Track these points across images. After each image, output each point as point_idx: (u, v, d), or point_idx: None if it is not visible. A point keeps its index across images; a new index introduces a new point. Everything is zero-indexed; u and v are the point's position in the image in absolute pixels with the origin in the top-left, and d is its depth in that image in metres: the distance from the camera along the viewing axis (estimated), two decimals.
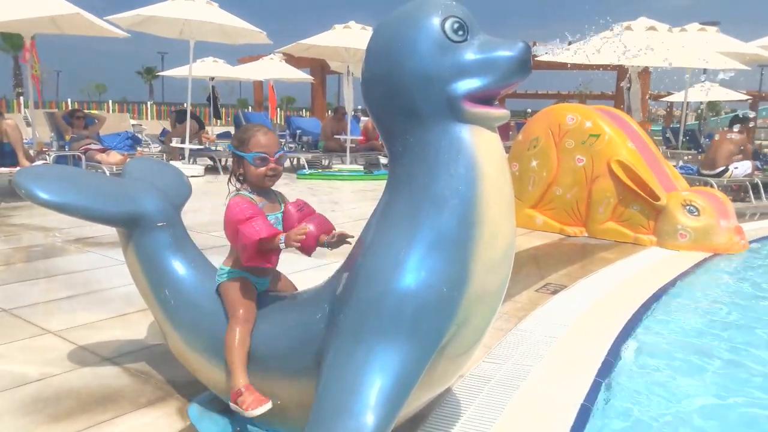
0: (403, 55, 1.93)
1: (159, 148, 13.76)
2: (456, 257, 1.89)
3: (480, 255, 1.91)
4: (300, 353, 2.07)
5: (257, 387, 2.19)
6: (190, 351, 2.39)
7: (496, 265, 1.99)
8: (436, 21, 1.92)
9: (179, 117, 12.71)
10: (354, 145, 13.19)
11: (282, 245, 2.13)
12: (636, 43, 9.33)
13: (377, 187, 9.91)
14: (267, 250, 2.14)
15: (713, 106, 34.02)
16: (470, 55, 1.92)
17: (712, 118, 33.09)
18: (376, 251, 1.95)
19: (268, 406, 2.09)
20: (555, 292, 4.37)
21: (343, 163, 12.61)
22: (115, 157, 9.64)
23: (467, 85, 1.91)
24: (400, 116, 1.98)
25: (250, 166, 2.23)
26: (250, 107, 35.23)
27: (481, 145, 1.95)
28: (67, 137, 9.93)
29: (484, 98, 1.95)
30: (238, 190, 2.28)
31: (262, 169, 2.23)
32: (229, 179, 2.34)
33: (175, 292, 2.45)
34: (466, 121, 1.94)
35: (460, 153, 1.93)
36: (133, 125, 15.80)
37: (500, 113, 1.98)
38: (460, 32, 1.93)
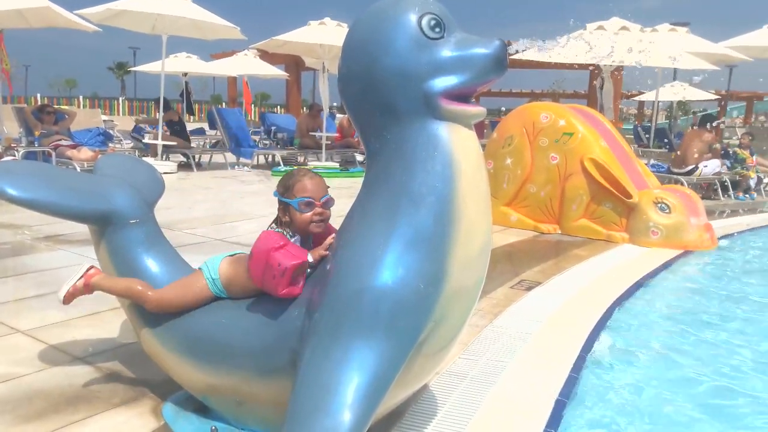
0: (380, 52, 1.93)
1: (131, 145, 13.57)
2: (433, 254, 1.90)
3: (457, 252, 1.92)
4: (276, 351, 2.05)
5: (233, 385, 2.17)
6: (164, 350, 2.36)
7: (473, 262, 2.00)
8: (413, 18, 1.92)
9: (165, 109, 12.46)
10: (329, 142, 13.15)
11: (311, 260, 2.08)
12: (608, 43, 9.44)
13: (353, 184, 9.86)
14: (298, 275, 2.07)
15: (682, 106, 34.59)
16: (447, 52, 1.92)
17: (682, 117, 33.66)
18: (354, 248, 1.95)
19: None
20: (529, 289, 4.41)
21: (318, 160, 12.57)
22: (86, 153, 9.49)
23: (444, 82, 1.92)
24: (376, 113, 1.98)
25: (296, 212, 2.15)
26: (224, 103, 34.91)
27: (457, 142, 1.96)
28: (37, 133, 9.75)
29: (460, 95, 1.96)
30: (284, 230, 2.19)
31: (308, 214, 2.14)
32: (275, 226, 2.24)
33: None
34: (443, 118, 1.94)
35: (437, 150, 1.93)
36: (104, 121, 15.56)
37: (477, 110, 1.99)
38: (437, 29, 1.93)
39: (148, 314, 2.39)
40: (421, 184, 1.92)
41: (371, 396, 1.79)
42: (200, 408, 2.40)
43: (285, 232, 2.17)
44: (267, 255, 2.02)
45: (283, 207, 2.20)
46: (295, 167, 11.98)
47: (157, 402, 2.51)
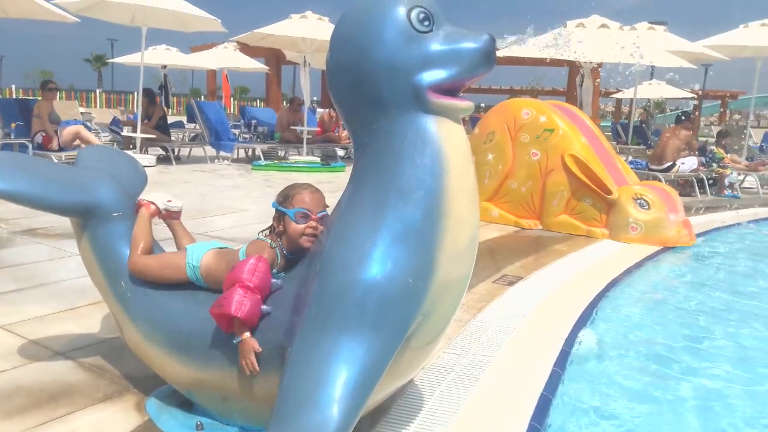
0: (369, 44, 1.92)
1: (109, 137, 13.39)
2: (421, 248, 1.90)
3: (445, 245, 1.92)
4: (263, 345, 2.03)
5: (219, 380, 2.15)
6: (148, 344, 2.33)
7: (461, 256, 2.00)
8: (402, 11, 1.92)
9: (151, 100, 12.28)
10: (310, 137, 13.10)
11: (236, 341, 2.04)
12: (587, 40, 9.52)
13: (334, 179, 9.88)
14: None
15: (659, 104, 34.98)
16: (436, 45, 1.92)
17: (658, 115, 34.04)
18: (342, 242, 1.94)
19: None
20: (512, 284, 4.43)
21: (299, 154, 12.51)
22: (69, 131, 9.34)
23: (433, 75, 1.91)
24: (365, 106, 1.97)
25: (290, 223, 2.15)
26: (202, 96, 34.60)
27: (446, 136, 1.96)
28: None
29: (449, 89, 1.96)
30: (273, 240, 2.21)
31: (302, 226, 2.15)
32: (268, 232, 2.26)
33: (131, 283, 2.39)
34: (432, 111, 1.94)
35: (426, 144, 1.93)
36: (82, 113, 15.33)
37: (465, 105, 1.99)
38: (426, 22, 1.93)
39: (131, 308, 2.36)
40: (410, 178, 1.91)
41: (360, 389, 1.79)
42: (184, 403, 2.37)
43: (274, 244, 2.19)
44: (233, 286, 2.03)
45: (279, 216, 2.22)
46: (275, 161, 11.96)
47: (140, 397, 2.48)
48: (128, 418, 2.32)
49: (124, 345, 2.73)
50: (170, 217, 2.64)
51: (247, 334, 2.03)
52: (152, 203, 2.54)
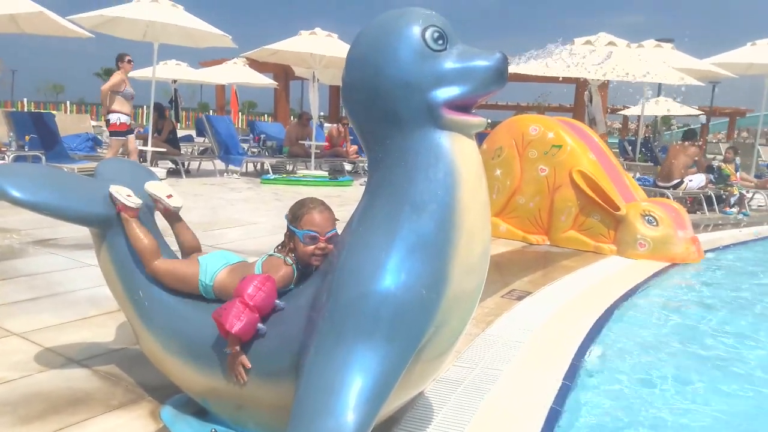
0: (384, 63, 1.97)
1: (120, 150, 13.51)
2: (435, 260, 1.94)
3: (458, 258, 1.96)
4: (279, 355, 2.08)
5: (232, 389, 2.19)
6: (165, 353, 2.38)
7: (474, 268, 2.04)
8: (416, 30, 1.97)
9: (161, 114, 12.42)
10: (318, 151, 13.19)
11: (228, 351, 2.13)
12: (597, 58, 9.59)
13: (342, 193, 9.95)
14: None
15: (666, 120, 34.99)
16: (450, 63, 1.97)
17: (665, 132, 34.05)
18: (356, 253, 1.98)
19: None
20: (520, 298, 4.46)
21: (307, 168, 12.59)
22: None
23: (446, 92, 1.96)
24: (380, 122, 2.02)
25: (299, 243, 2.21)
26: (211, 111, 34.84)
27: (459, 151, 2.01)
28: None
29: (462, 106, 2.01)
30: (286, 255, 2.25)
31: (311, 247, 2.20)
32: (279, 248, 2.31)
33: (149, 293, 2.44)
34: (445, 127, 1.99)
35: (439, 158, 1.98)
36: (93, 127, 15.49)
37: (478, 121, 2.04)
38: (440, 41, 1.98)
39: (148, 318, 2.41)
40: (423, 192, 1.96)
41: (374, 398, 1.82)
42: (199, 411, 2.41)
43: (290, 260, 2.24)
44: (240, 291, 2.10)
45: (290, 234, 2.26)
46: (284, 175, 12.04)
47: (155, 405, 2.52)
48: (144, 426, 2.36)
49: (138, 354, 2.78)
50: (167, 213, 2.67)
51: (237, 348, 2.11)
52: (124, 203, 2.50)
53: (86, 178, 2.66)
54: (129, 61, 9.69)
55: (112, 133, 9.35)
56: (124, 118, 9.27)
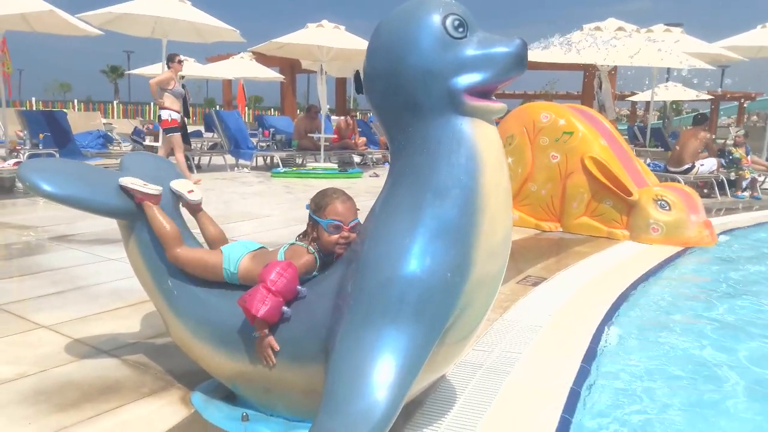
0: (406, 51, 2.01)
1: (131, 147, 13.61)
2: (459, 244, 1.98)
3: (481, 242, 2.00)
4: (307, 340, 2.13)
5: (261, 372, 2.25)
6: (195, 340, 2.44)
7: (496, 251, 2.08)
8: (437, 18, 2.01)
9: None
10: (327, 144, 13.24)
11: (256, 334, 2.19)
12: (609, 42, 9.58)
13: (352, 185, 9.99)
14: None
15: (675, 106, 34.82)
16: (470, 51, 2.01)
17: (675, 118, 33.87)
18: (382, 239, 2.03)
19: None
20: (536, 284, 4.50)
21: (316, 161, 12.64)
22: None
23: (467, 79, 2.00)
24: (402, 110, 2.06)
25: (323, 232, 2.26)
26: (218, 106, 34.93)
27: (480, 136, 2.05)
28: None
29: (482, 92, 2.04)
30: (309, 244, 2.30)
31: (335, 236, 2.25)
32: (301, 237, 2.36)
33: (177, 282, 2.50)
34: (466, 114, 2.03)
35: (461, 144, 2.02)
36: (104, 124, 15.60)
37: (499, 106, 2.07)
38: (461, 29, 2.02)
39: (178, 306, 2.47)
40: (446, 177, 2.00)
41: (403, 379, 1.87)
42: (229, 396, 2.48)
43: (312, 249, 2.29)
44: (263, 276, 2.14)
45: (313, 223, 2.31)
46: (294, 169, 12.09)
47: (185, 392, 2.58)
48: (175, 411, 2.42)
49: (165, 344, 2.85)
50: (188, 207, 2.76)
51: (266, 331, 2.17)
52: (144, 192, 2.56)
53: (112, 172, 2.71)
54: (179, 62, 9.91)
55: (165, 130, 9.52)
56: (175, 115, 9.49)
